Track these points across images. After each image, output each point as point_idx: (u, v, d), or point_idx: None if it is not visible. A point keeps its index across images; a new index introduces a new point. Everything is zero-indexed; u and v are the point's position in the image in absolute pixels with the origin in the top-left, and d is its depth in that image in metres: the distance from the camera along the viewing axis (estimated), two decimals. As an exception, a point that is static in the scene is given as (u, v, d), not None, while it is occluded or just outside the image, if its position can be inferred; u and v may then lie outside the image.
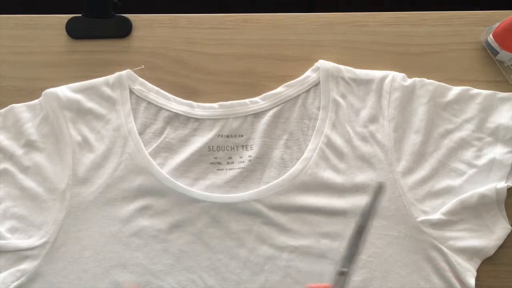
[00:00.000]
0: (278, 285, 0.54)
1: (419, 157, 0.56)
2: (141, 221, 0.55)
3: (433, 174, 0.55)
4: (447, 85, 0.58)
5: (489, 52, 0.61)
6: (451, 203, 0.54)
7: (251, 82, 0.61)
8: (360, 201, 0.55)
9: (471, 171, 0.55)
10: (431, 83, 0.58)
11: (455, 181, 0.55)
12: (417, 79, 0.58)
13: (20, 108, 0.58)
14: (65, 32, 0.62)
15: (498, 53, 0.60)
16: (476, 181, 0.55)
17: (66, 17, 0.62)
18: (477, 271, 0.54)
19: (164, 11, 0.64)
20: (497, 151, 0.56)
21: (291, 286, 0.54)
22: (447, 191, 0.55)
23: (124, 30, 0.62)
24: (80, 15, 0.62)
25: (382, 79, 0.58)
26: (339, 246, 0.54)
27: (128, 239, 0.55)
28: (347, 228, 0.54)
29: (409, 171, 0.55)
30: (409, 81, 0.58)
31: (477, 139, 0.56)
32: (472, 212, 0.54)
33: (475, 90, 0.58)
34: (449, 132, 0.57)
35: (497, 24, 0.59)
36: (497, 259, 0.55)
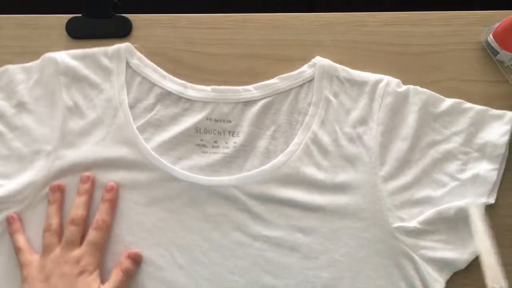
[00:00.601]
0: (246, 272, 0.54)
1: (403, 164, 0.56)
2: (120, 192, 0.56)
3: (415, 183, 0.55)
4: (440, 96, 0.58)
5: (489, 52, 0.61)
6: (428, 212, 0.54)
7: (251, 82, 0.61)
8: (338, 200, 0.55)
9: (453, 184, 0.55)
10: (424, 92, 0.58)
11: (436, 192, 0.55)
12: (412, 86, 0.58)
13: (15, 70, 0.59)
14: (65, 32, 0.62)
15: (498, 53, 0.60)
16: (456, 194, 0.55)
17: (66, 17, 0.62)
18: (478, 271, 0.54)
19: (164, 11, 0.64)
20: (482, 167, 0.55)
21: (259, 275, 0.54)
22: (427, 201, 0.55)
23: (124, 30, 0.62)
24: (80, 15, 0.63)
25: (377, 83, 0.58)
26: (312, 242, 0.54)
27: None
28: (322, 225, 0.55)
29: (391, 176, 0.55)
30: (403, 87, 0.58)
31: (463, 153, 0.56)
32: (448, 224, 0.54)
33: (468, 104, 0.58)
34: (436, 142, 0.57)
35: (497, 24, 0.59)
36: (497, 259, 0.54)
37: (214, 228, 0.55)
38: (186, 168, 0.56)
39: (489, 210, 0.56)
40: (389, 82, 0.58)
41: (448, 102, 0.58)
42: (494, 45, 0.59)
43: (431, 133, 0.57)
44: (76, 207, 0.54)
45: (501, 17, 0.60)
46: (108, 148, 0.56)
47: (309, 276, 0.54)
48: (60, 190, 0.55)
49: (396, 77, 0.60)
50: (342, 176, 0.56)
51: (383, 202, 0.55)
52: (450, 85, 0.60)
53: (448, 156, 0.56)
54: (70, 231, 0.53)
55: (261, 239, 0.55)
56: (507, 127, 0.57)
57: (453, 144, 0.57)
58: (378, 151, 0.56)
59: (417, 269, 0.53)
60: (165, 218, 0.55)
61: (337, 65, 0.59)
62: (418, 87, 0.58)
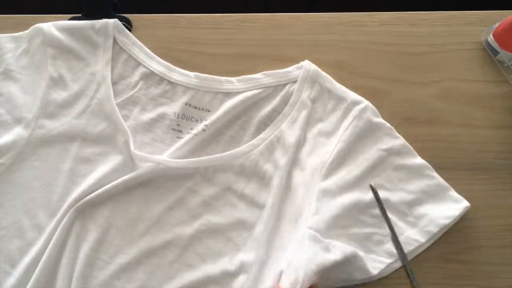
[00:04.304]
0: (179, 249, 0.54)
1: (344, 186, 0.54)
2: (93, 164, 0.56)
3: (345, 213, 0.54)
4: (414, 151, 0.56)
5: (489, 52, 0.61)
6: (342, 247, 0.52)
7: (250, 82, 0.61)
8: (282, 202, 0.54)
9: (373, 230, 0.54)
10: (399, 139, 0.56)
11: (357, 229, 0.53)
12: (388, 125, 0.56)
13: (5, 38, 0.60)
14: (65, 32, 0.63)
15: (498, 53, 0.60)
16: (372, 239, 0.53)
17: (66, 17, 0.63)
18: (477, 270, 0.54)
19: (164, 11, 0.64)
20: (409, 233, 0.54)
21: (189, 255, 0.54)
22: (347, 232, 0.54)
23: (124, 30, 0.62)
24: (80, 15, 0.63)
25: (355, 103, 0.57)
26: (249, 236, 0.54)
27: (77, 178, 0.55)
28: (260, 221, 0.54)
29: (330, 188, 0.54)
30: (378, 119, 0.57)
31: (400, 212, 0.55)
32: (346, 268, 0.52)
33: (434, 173, 0.56)
34: (381, 187, 0.55)
35: (497, 24, 0.59)
36: (497, 259, 0.54)
37: (159, 201, 0.55)
38: (158, 150, 0.57)
39: (490, 210, 0.56)
40: (366, 108, 0.57)
41: (417, 161, 0.56)
42: (494, 45, 0.59)
43: (383, 177, 0.55)
44: None
45: (501, 17, 0.60)
46: (87, 122, 0.57)
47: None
48: None
49: (396, 77, 0.60)
50: (291, 179, 0.55)
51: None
52: (450, 85, 0.60)
53: (386, 205, 0.55)
54: None
55: (202, 221, 0.55)
56: (455, 213, 0.54)
57: (396, 198, 0.55)
58: (328, 165, 0.55)
59: None
60: (116, 198, 0.55)
61: (324, 74, 0.58)
62: (394, 131, 0.56)
